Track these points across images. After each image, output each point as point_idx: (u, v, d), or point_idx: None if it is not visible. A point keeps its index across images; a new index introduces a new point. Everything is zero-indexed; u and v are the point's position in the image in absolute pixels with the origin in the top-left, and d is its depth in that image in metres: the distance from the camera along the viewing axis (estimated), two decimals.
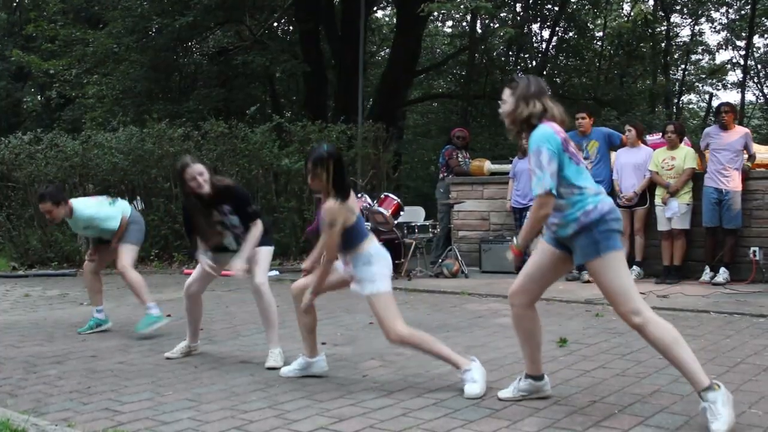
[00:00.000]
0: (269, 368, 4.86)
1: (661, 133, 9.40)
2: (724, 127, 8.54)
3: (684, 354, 3.52)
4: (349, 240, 4.28)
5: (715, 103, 24.43)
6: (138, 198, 10.94)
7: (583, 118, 9.35)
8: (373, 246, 4.33)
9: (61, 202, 6.18)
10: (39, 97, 22.47)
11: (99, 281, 6.60)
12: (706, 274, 8.52)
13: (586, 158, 9.25)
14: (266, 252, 5.21)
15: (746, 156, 8.53)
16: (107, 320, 6.59)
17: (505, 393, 4.09)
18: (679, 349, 3.52)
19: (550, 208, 3.64)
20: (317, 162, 4.19)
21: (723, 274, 8.41)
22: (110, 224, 6.33)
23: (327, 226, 4.19)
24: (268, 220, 5.52)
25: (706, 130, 8.95)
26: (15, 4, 24.56)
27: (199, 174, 4.97)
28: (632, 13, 23.67)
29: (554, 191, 3.58)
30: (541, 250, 3.87)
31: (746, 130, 8.79)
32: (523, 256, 3.87)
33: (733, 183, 8.39)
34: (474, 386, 4.14)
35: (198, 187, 4.97)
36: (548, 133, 3.64)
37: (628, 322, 3.61)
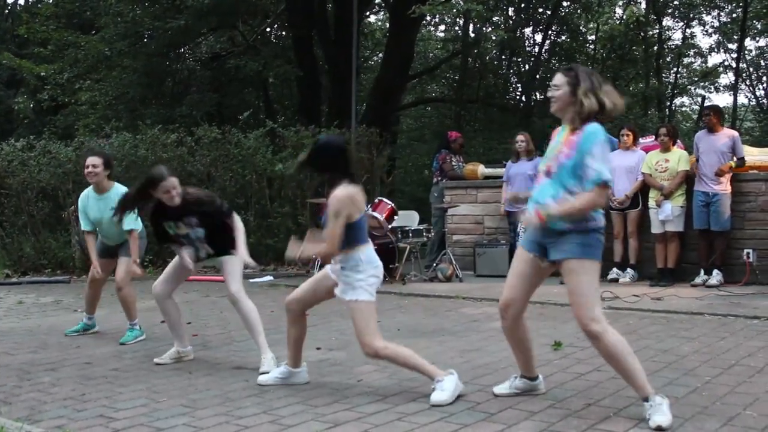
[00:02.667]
0: (262, 373, 4.84)
1: (653, 136, 9.42)
2: (711, 130, 8.59)
3: (636, 364, 3.69)
4: (346, 239, 4.17)
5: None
6: None
7: None
8: (366, 252, 4.24)
9: (110, 166, 6.37)
10: (31, 104, 22.39)
11: (99, 293, 6.63)
12: (700, 276, 8.54)
13: None
14: (235, 260, 5.19)
15: (735, 159, 8.52)
16: (95, 325, 6.70)
17: (501, 389, 4.23)
18: (633, 360, 3.69)
19: (604, 201, 3.80)
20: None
21: (717, 276, 8.42)
22: (125, 224, 6.19)
23: (332, 216, 4.11)
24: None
25: (697, 134, 9.00)
26: (7, 11, 24.52)
27: (173, 188, 5.02)
28: (624, 16, 23.71)
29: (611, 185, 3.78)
30: (522, 259, 3.95)
31: (733, 132, 8.81)
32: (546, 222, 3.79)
33: (720, 186, 8.42)
34: (441, 394, 4.09)
35: (170, 200, 5.02)
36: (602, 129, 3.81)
37: (587, 328, 3.67)
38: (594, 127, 3.74)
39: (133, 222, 6.08)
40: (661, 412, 3.57)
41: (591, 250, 3.74)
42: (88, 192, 6.39)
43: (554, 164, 3.82)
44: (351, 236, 4.19)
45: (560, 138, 3.87)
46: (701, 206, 8.50)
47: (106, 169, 6.30)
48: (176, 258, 5.30)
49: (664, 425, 3.51)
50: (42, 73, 17.86)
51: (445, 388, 4.12)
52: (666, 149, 8.81)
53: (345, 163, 4.29)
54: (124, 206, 5.31)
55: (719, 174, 8.37)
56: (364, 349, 4.23)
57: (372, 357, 4.27)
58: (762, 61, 24.97)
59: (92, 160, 6.27)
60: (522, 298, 3.98)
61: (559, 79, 3.83)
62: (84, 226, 6.43)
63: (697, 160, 8.63)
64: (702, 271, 8.56)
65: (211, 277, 10.43)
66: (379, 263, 4.33)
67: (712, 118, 8.64)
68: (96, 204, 6.31)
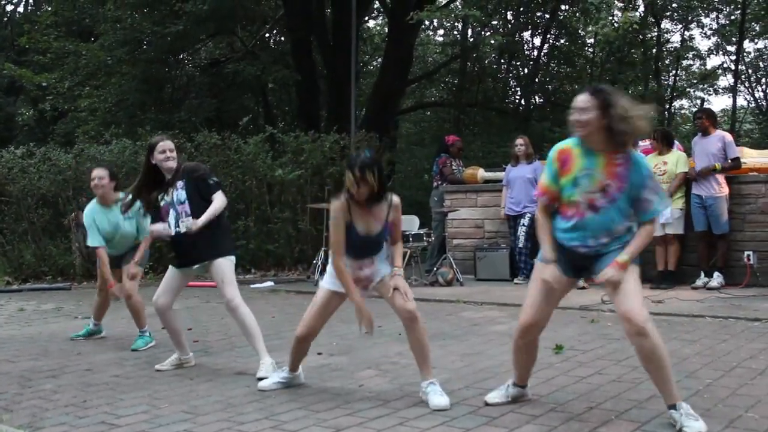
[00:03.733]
0: (260, 379, 4.83)
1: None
2: (705, 133, 8.62)
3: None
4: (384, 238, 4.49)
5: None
6: None
7: None
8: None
9: (115, 178, 6.44)
10: (31, 111, 22.39)
11: (108, 301, 6.64)
12: (701, 278, 8.55)
13: None
14: (227, 264, 5.21)
15: (729, 161, 8.51)
16: (101, 331, 6.75)
17: (495, 398, 4.15)
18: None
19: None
20: (366, 167, 4.22)
21: (717, 278, 8.43)
22: (138, 226, 6.27)
23: (400, 224, 4.56)
24: (228, 225, 5.58)
25: (694, 138, 9.04)
26: (6, 19, 24.53)
27: (170, 150, 5.19)
28: (620, 21, 23.69)
29: None
30: (553, 279, 3.83)
31: (724, 134, 8.81)
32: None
33: (713, 190, 8.43)
34: (441, 399, 4.09)
35: (165, 160, 5.16)
36: None
37: (645, 325, 3.60)
38: (640, 157, 3.68)
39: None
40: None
41: None
42: (93, 207, 6.35)
43: (599, 197, 3.62)
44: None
45: (595, 166, 3.61)
46: (698, 208, 8.54)
47: (112, 181, 6.36)
48: (171, 268, 5.32)
49: None
50: (43, 83, 17.86)
51: (443, 392, 4.14)
52: (661, 152, 8.82)
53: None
54: (136, 192, 5.33)
55: (700, 176, 8.41)
56: (411, 305, 4.24)
57: (413, 311, 4.23)
58: (761, 63, 24.97)
59: (98, 172, 6.34)
60: (544, 319, 4.04)
61: (585, 100, 3.55)
62: (95, 242, 6.29)
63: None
64: (702, 274, 8.57)
65: (210, 283, 10.25)
66: None
67: (704, 121, 8.67)
68: (105, 217, 6.30)
